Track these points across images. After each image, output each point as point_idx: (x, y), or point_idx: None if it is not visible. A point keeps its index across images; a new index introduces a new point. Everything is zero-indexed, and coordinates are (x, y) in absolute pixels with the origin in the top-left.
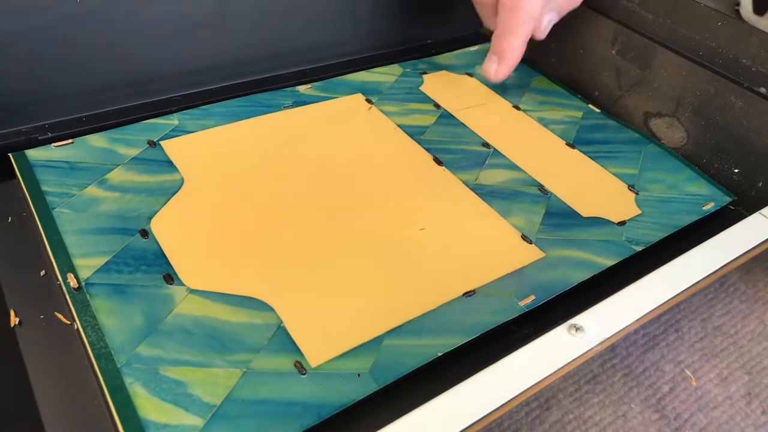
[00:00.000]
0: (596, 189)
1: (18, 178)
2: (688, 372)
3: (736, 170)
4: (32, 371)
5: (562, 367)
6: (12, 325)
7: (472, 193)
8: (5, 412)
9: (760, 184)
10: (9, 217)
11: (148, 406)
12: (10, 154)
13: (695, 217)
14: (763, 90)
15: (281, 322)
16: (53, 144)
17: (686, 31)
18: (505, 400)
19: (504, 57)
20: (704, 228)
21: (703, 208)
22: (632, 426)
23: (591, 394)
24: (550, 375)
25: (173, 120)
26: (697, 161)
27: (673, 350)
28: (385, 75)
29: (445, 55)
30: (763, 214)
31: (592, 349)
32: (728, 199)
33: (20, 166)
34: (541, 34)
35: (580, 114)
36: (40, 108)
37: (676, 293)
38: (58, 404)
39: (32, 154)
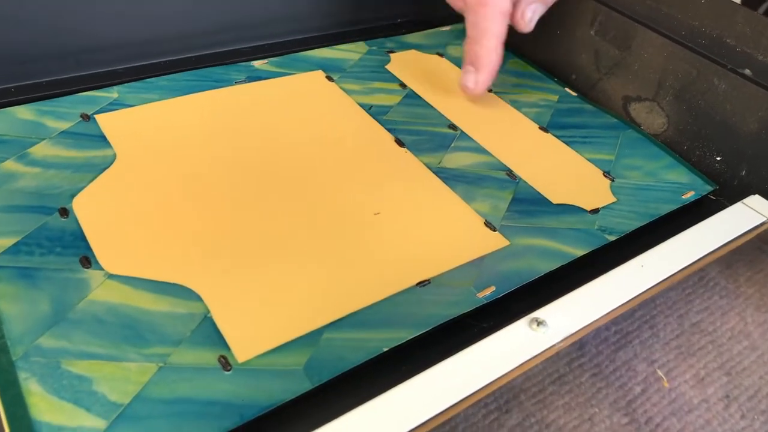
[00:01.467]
0: (569, 175)
1: None
2: (660, 372)
3: (719, 158)
4: None
5: (522, 365)
6: None
7: (435, 177)
8: None
9: (744, 172)
10: None
11: (43, 405)
12: None
13: (674, 206)
14: (747, 72)
15: (208, 311)
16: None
17: (668, 9)
18: (457, 400)
19: (480, 64)
20: (684, 218)
21: (683, 197)
22: (599, 430)
23: (556, 396)
24: (507, 373)
25: (112, 93)
26: (678, 148)
27: (647, 348)
28: (349, 52)
29: (415, 34)
30: (746, 204)
31: (554, 345)
32: (709, 188)
33: None
34: (525, 27)
35: (555, 97)
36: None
37: (650, 286)
38: None
39: None
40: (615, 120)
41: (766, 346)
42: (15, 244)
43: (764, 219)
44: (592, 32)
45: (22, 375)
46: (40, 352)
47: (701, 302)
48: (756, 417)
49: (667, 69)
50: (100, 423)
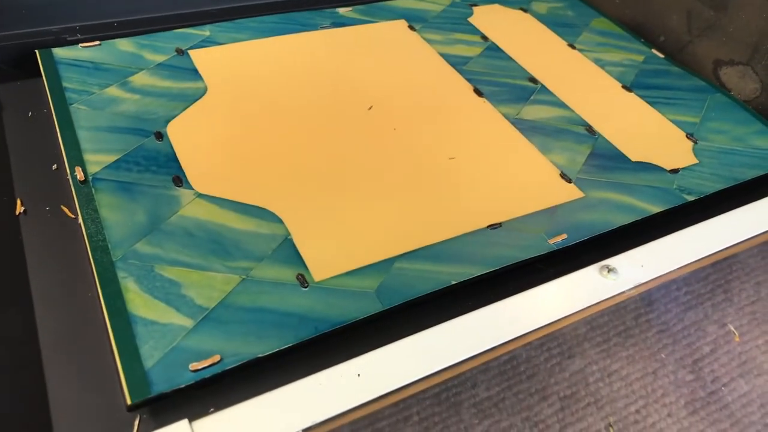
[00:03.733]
0: (650, 134)
1: (42, 76)
2: (731, 327)
3: None
4: (30, 259)
5: (589, 307)
6: (17, 213)
7: (512, 127)
8: None
9: None
10: (30, 112)
11: (138, 301)
12: (36, 51)
13: (760, 172)
14: None
15: (289, 234)
16: (80, 44)
17: None
18: (521, 333)
19: None
20: None
21: None
22: (662, 384)
23: (620, 348)
24: (572, 314)
25: (205, 31)
26: None
27: (719, 311)
28: (433, 4)
29: None
30: None
31: (623, 292)
32: None
33: (45, 63)
34: None
35: (641, 58)
36: (71, 10)
37: (722, 248)
38: (52, 293)
39: (58, 52)
40: (703, 83)
41: None
42: (116, 161)
43: None
44: None
45: (120, 274)
46: (137, 256)
47: None
48: None
49: (765, 32)
50: (188, 322)
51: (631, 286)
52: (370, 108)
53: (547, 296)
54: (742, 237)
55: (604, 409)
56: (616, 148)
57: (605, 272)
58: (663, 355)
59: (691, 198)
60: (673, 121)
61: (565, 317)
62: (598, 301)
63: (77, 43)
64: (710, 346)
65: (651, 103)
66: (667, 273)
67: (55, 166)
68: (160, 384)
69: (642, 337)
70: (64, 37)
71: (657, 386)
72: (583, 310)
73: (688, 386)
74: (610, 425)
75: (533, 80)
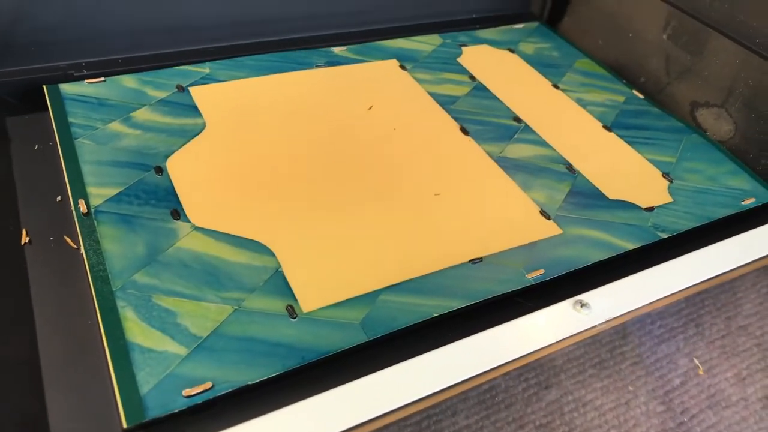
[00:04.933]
0: (627, 173)
1: (49, 110)
2: (697, 361)
3: None
4: (34, 288)
5: (562, 341)
6: (22, 243)
7: (495, 165)
8: (1, 324)
9: None
10: (36, 145)
11: (136, 330)
12: (44, 86)
13: (731, 211)
14: None
15: (280, 266)
16: (86, 80)
17: (744, 16)
18: (496, 365)
19: None
20: (744, 225)
21: (743, 203)
22: (634, 415)
23: (595, 379)
24: (548, 346)
25: (205, 68)
26: (744, 156)
27: (691, 345)
28: (424, 44)
29: (488, 30)
30: None
31: (595, 326)
32: None
33: (52, 98)
34: None
35: (622, 99)
36: (78, 47)
37: (692, 284)
38: (54, 320)
39: (65, 87)
40: (680, 124)
41: None
42: (117, 194)
43: None
44: (664, 36)
45: (120, 303)
46: (135, 286)
47: (752, 307)
48: None
49: (738, 76)
50: (182, 350)
51: (602, 321)
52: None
53: (522, 329)
54: (712, 273)
55: None
56: (595, 186)
57: (578, 307)
58: (635, 387)
59: (664, 235)
60: (651, 161)
61: (540, 349)
62: (571, 334)
63: (83, 79)
64: (681, 378)
65: (630, 143)
66: (637, 308)
67: (59, 198)
68: (155, 409)
69: (616, 369)
70: (71, 72)
71: (629, 416)
72: (556, 342)
73: (659, 417)
74: None
75: (517, 119)
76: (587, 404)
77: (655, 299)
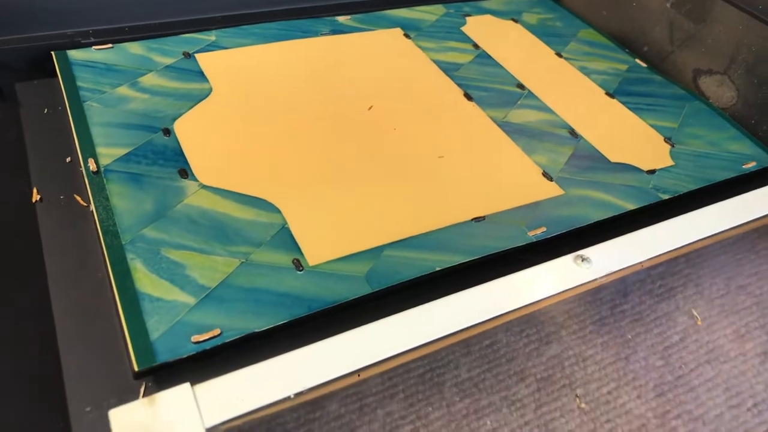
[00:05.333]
0: (629, 137)
1: (57, 76)
2: (695, 312)
3: None
4: (46, 243)
5: (562, 293)
6: (33, 201)
7: (498, 129)
8: (15, 277)
9: None
10: (45, 109)
11: (146, 280)
12: (52, 52)
13: (732, 174)
14: None
15: (286, 223)
16: (94, 47)
17: None
18: (498, 314)
19: None
20: (745, 188)
21: (744, 166)
22: (633, 369)
23: (595, 335)
24: (547, 297)
25: (211, 36)
26: (746, 121)
27: (690, 303)
28: (427, 13)
29: (492, 0)
30: None
31: (595, 280)
32: None
33: (60, 64)
34: None
35: (625, 67)
36: (86, 14)
37: (692, 240)
38: (65, 274)
39: (73, 54)
40: (683, 91)
41: None
42: (126, 154)
43: None
44: (668, 5)
45: (129, 255)
46: (144, 240)
47: (752, 267)
48: None
49: (741, 43)
50: (191, 299)
51: (603, 275)
52: (370, 107)
53: (524, 281)
54: (710, 232)
55: (578, 390)
56: (597, 150)
57: (579, 261)
58: (635, 343)
59: (665, 197)
60: (653, 126)
61: (541, 300)
62: (571, 287)
63: (91, 46)
64: (680, 335)
65: (632, 109)
66: (636, 263)
67: (69, 159)
68: (165, 354)
69: (616, 326)
70: (78, 40)
71: (628, 370)
72: (557, 294)
73: (658, 371)
74: (577, 396)
75: (521, 86)
76: (587, 359)
77: (655, 255)
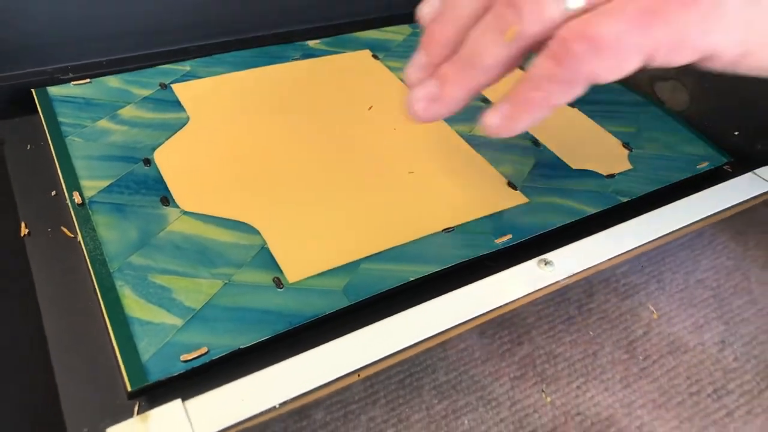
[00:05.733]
0: (589, 144)
1: (38, 113)
2: (651, 307)
3: (736, 133)
4: (36, 274)
5: (528, 295)
6: (22, 235)
7: (465, 143)
8: (9, 309)
9: (759, 146)
10: (28, 145)
11: (135, 306)
12: (32, 90)
13: (687, 175)
14: None
15: (265, 243)
16: (72, 82)
17: None
18: (467, 319)
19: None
20: (700, 187)
21: (698, 167)
22: (600, 363)
23: (564, 333)
24: (514, 300)
25: (185, 66)
26: (699, 125)
27: (653, 299)
28: (395, 34)
29: None
30: (757, 174)
31: (558, 282)
32: (724, 160)
33: (41, 101)
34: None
35: None
36: (63, 50)
37: (649, 240)
38: (57, 302)
39: (53, 90)
40: (639, 98)
41: (766, 301)
42: (109, 185)
43: None
44: None
45: (118, 282)
46: (131, 267)
47: (708, 262)
48: (748, 360)
49: None
50: (178, 321)
51: (565, 276)
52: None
53: (491, 286)
54: (667, 231)
55: (549, 386)
56: (559, 158)
57: (542, 265)
58: (601, 339)
59: (624, 199)
60: (612, 132)
61: (508, 303)
62: (536, 289)
63: (69, 81)
64: (643, 329)
65: (592, 116)
66: (596, 264)
67: (54, 193)
68: (156, 373)
69: (584, 324)
70: (57, 76)
71: (596, 365)
72: (523, 297)
73: (623, 364)
74: (543, 391)
75: (485, 100)
76: (557, 356)
77: (614, 255)
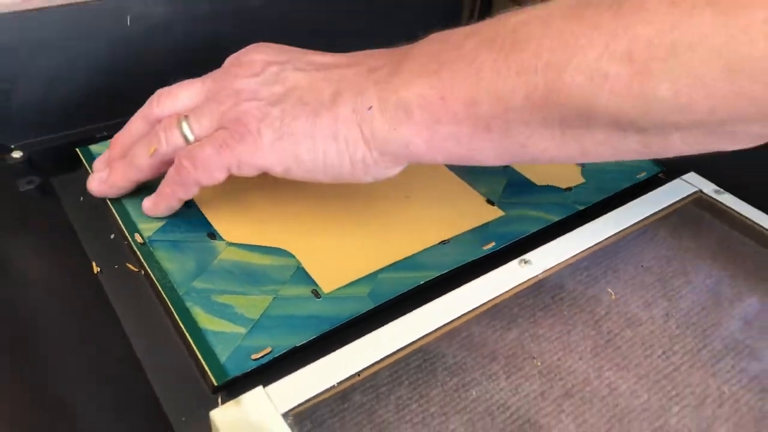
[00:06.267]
0: (549, 164)
1: (84, 167)
2: (610, 290)
3: None
4: (115, 303)
5: (512, 289)
6: (95, 272)
7: (449, 171)
8: (98, 335)
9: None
10: (81, 197)
11: (206, 320)
12: (77, 149)
13: (629, 184)
14: None
15: (300, 263)
16: (110, 140)
17: None
18: (467, 310)
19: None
20: (640, 193)
21: (637, 176)
22: (574, 339)
23: (543, 319)
24: (502, 294)
25: None
26: None
27: (611, 285)
28: None
29: None
30: (684, 180)
31: (536, 276)
32: (657, 169)
33: (86, 157)
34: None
35: None
36: (98, 113)
37: (604, 238)
38: (138, 324)
39: (94, 148)
40: None
41: (698, 281)
42: (162, 227)
43: (696, 189)
44: None
45: (188, 303)
46: (195, 290)
47: (652, 253)
48: (688, 327)
49: None
50: (242, 329)
51: (541, 272)
52: None
53: (483, 284)
54: (617, 230)
55: (536, 360)
56: (525, 177)
57: (522, 264)
58: (573, 321)
59: (581, 207)
60: None
61: (497, 297)
62: (519, 283)
63: (106, 139)
64: (605, 310)
65: None
66: (565, 260)
67: (112, 236)
68: (234, 370)
69: (558, 310)
70: (94, 134)
71: (571, 341)
72: (509, 291)
73: (592, 339)
74: (534, 357)
75: None
76: (540, 337)
77: (578, 252)
